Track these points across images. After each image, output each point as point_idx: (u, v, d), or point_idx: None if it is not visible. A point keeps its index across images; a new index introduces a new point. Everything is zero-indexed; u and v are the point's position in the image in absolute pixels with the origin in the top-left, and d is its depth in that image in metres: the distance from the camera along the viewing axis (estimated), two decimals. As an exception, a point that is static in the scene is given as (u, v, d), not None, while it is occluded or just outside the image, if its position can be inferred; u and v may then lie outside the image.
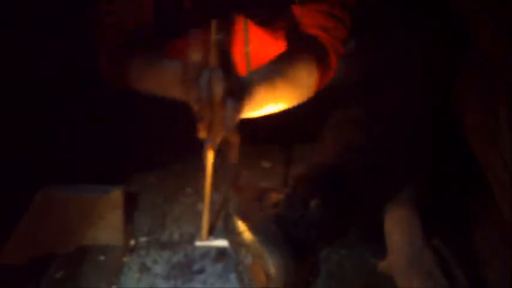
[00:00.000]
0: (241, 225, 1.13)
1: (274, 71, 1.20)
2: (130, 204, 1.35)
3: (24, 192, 1.24)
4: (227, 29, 1.29)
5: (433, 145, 1.32)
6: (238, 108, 1.10)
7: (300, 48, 1.25)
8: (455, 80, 1.38)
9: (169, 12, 1.32)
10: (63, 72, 1.50)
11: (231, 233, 1.17)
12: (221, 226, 1.29)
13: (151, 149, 1.51)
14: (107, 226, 1.24)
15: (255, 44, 1.35)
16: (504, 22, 1.17)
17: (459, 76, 1.38)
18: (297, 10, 1.29)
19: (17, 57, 1.42)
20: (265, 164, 1.53)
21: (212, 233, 1.30)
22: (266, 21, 1.33)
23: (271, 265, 1.07)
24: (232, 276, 1.19)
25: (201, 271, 1.21)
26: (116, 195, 1.24)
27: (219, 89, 1.07)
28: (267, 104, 1.19)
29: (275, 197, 1.24)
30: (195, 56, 1.12)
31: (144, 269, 1.22)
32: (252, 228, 1.12)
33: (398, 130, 1.29)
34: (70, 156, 1.42)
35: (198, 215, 1.30)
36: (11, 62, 1.41)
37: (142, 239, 1.29)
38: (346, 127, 1.33)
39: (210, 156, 1.20)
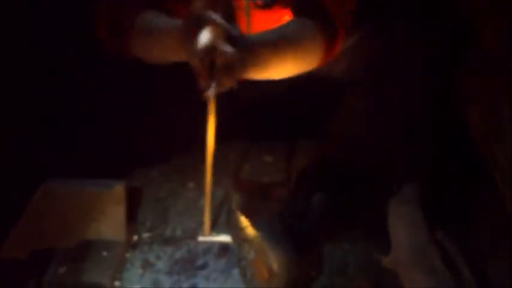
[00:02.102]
0: (243, 221, 1.13)
1: (277, 33, 1.17)
2: (133, 199, 1.34)
3: (26, 187, 1.24)
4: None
5: (435, 141, 1.32)
6: (242, 59, 1.06)
7: (305, 16, 1.22)
8: (457, 77, 1.38)
9: None
10: (64, 65, 1.49)
11: (233, 228, 1.17)
12: (224, 221, 1.29)
13: (154, 143, 1.51)
14: (110, 221, 1.24)
15: (256, 21, 1.33)
16: (508, 21, 1.16)
17: (461, 74, 1.38)
18: None
19: (16, 49, 1.42)
20: (268, 159, 1.53)
21: (215, 228, 1.29)
22: None
23: (274, 260, 1.07)
24: (235, 272, 1.18)
25: (203, 266, 1.21)
26: (119, 190, 1.24)
27: (220, 35, 1.03)
28: (270, 64, 1.15)
29: (278, 192, 1.24)
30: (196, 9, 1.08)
31: (146, 264, 1.22)
32: (255, 223, 1.12)
33: (401, 125, 1.29)
34: (72, 151, 1.42)
35: (201, 210, 1.30)
36: (12, 43, 1.41)
37: (145, 235, 1.29)
38: (349, 122, 1.33)
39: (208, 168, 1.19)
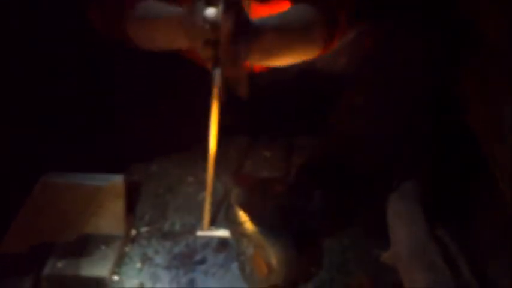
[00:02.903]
0: (242, 216, 1.13)
1: (280, 18, 1.17)
2: (132, 194, 1.34)
3: (25, 181, 1.23)
4: None
5: (435, 139, 1.32)
6: (248, 43, 1.05)
7: (306, 3, 1.22)
8: (458, 77, 1.38)
9: None
10: (64, 60, 1.49)
11: (232, 223, 1.17)
12: (223, 216, 1.29)
13: (154, 137, 1.50)
14: (108, 215, 1.23)
15: (256, 14, 1.33)
16: (508, 20, 1.16)
17: (462, 73, 1.37)
18: None
19: (16, 42, 1.42)
20: (267, 154, 1.53)
21: (214, 223, 1.29)
22: None
23: (273, 256, 1.07)
24: (234, 266, 1.18)
25: (202, 261, 1.21)
26: (118, 184, 1.24)
27: (228, 20, 1.02)
28: (273, 48, 1.14)
29: (277, 187, 1.23)
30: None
31: (145, 259, 1.21)
32: (254, 218, 1.11)
33: (401, 122, 1.29)
34: (71, 145, 1.42)
35: (200, 205, 1.29)
36: (12, 43, 1.40)
37: (144, 229, 1.29)
38: (349, 117, 1.33)
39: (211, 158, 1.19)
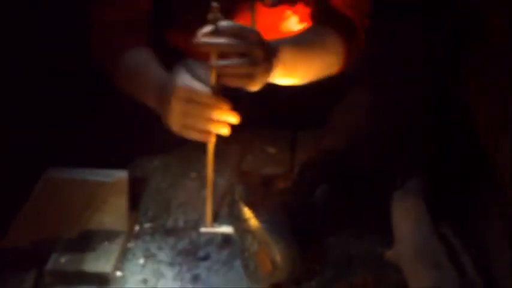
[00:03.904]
0: (246, 212, 1.12)
1: (303, 40, 1.17)
2: (135, 190, 1.34)
3: (29, 176, 1.23)
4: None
5: (438, 136, 1.32)
6: (268, 65, 1.07)
7: (329, 24, 1.24)
8: (459, 75, 1.38)
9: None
10: (65, 56, 1.49)
11: (236, 219, 1.16)
12: (226, 212, 1.28)
13: (156, 133, 1.50)
14: (112, 211, 1.23)
15: (261, 19, 1.33)
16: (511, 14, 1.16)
17: (465, 69, 1.37)
18: None
19: (18, 38, 1.42)
20: (271, 150, 1.52)
21: (217, 219, 1.29)
22: None
23: (277, 253, 1.07)
24: (237, 263, 1.18)
25: (206, 258, 1.20)
26: (121, 180, 1.23)
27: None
28: (294, 69, 1.16)
29: (281, 183, 1.23)
30: None
31: (148, 255, 1.21)
32: (258, 215, 1.11)
33: (404, 119, 1.29)
34: (75, 140, 1.41)
35: (203, 201, 1.29)
36: (12, 43, 1.40)
37: (147, 225, 1.29)
38: (352, 112, 1.33)
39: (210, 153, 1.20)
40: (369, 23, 1.30)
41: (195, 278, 1.16)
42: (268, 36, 1.25)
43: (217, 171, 1.25)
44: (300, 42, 1.17)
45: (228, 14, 1.10)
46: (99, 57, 1.33)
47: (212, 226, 1.27)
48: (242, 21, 1.30)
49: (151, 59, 1.25)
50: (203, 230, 1.27)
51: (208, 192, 1.25)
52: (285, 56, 1.12)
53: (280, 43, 1.13)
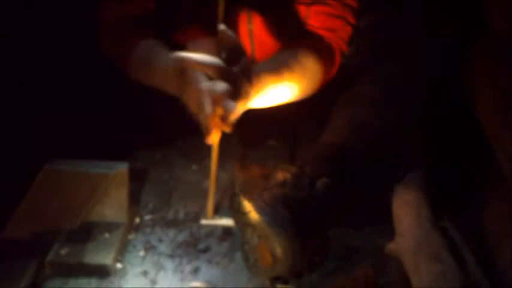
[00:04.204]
0: (247, 205, 1.12)
1: (281, 64, 1.19)
2: (136, 182, 1.34)
3: (30, 167, 1.23)
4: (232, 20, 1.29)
5: (441, 130, 1.32)
6: (236, 109, 1.09)
7: (308, 47, 1.26)
8: (465, 61, 1.37)
9: (171, 2, 1.31)
10: (66, 50, 1.49)
11: (237, 212, 1.16)
12: (227, 205, 1.28)
13: (157, 125, 1.50)
14: (112, 203, 1.23)
15: (257, 23, 1.33)
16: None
17: (469, 58, 1.37)
18: (303, 10, 1.29)
19: (18, 37, 1.42)
20: (272, 143, 1.52)
21: (218, 211, 1.29)
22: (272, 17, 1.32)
23: (278, 246, 1.06)
24: (238, 256, 1.18)
25: (206, 250, 1.20)
26: (122, 172, 1.23)
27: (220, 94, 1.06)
28: (273, 94, 1.18)
29: (282, 176, 1.22)
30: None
31: (149, 247, 1.21)
32: (258, 208, 1.10)
33: (407, 112, 1.29)
34: (76, 132, 1.42)
35: (204, 193, 1.29)
36: (13, 41, 1.40)
37: (148, 217, 1.29)
38: (354, 106, 1.33)
39: (215, 147, 1.21)
40: (347, 49, 1.33)
41: (196, 270, 1.16)
42: (265, 45, 1.30)
43: (218, 163, 1.25)
44: (279, 70, 1.19)
45: (226, 22, 1.12)
46: (109, 52, 1.33)
47: (213, 218, 1.27)
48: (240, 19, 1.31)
49: (163, 48, 1.26)
50: (203, 222, 1.27)
51: (212, 185, 1.25)
52: (264, 86, 1.15)
53: (261, 71, 1.15)
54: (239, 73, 1.08)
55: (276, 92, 1.18)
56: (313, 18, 1.29)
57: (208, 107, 1.05)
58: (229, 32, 1.08)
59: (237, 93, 1.06)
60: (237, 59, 1.09)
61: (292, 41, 1.30)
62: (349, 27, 1.32)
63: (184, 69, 1.10)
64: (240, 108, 1.08)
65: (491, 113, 1.27)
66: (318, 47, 1.27)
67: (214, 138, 1.10)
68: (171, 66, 1.13)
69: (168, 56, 1.14)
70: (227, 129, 1.08)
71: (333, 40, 1.29)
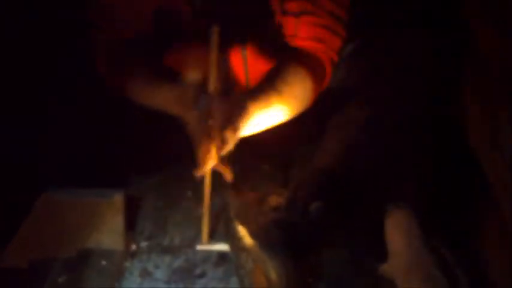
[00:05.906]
0: (241, 230, 1.14)
1: (269, 89, 1.21)
2: (131, 209, 1.34)
3: (26, 196, 1.24)
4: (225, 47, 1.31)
5: (432, 149, 1.33)
6: (230, 140, 1.13)
7: (295, 62, 1.27)
8: (454, 81, 1.39)
9: (168, 23, 1.33)
10: (62, 72, 1.50)
11: (231, 237, 1.17)
12: (222, 230, 1.29)
13: (152, 152, 1.51)
14: (109, 230, 1.24)
15: (250, 47, 1.36)
16: (504, 23, 1.17)
17: (459, 78, 1.38)
18: (291, 21, 1.30)
19: (16, 55, 1.43)
20: (265, 167, 1.53)
21: (213, 236, 1.30)
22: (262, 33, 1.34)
23: (272, 270, 1.08)
24: (233, 280, 1.19)
25: (202, 275, 1.21)
26: (118, 199, 1.24)
27: (216, 121, 1.12)
28: (264, 122, 1.22)
29: (275, 200, 1.24)
30: (194, 73, 1.15)
31: (145, 273, 1.22)
32: (252, 233, 1.12)
33: (398, 131, 1.30)
34: (71, 159, 1.43)
35: (199, 219, 1.30)
36: (10, 61, 1.41)
37: (144, 244, 1.30)
38: (346, 129, 1.34)
39: (207, 177, 1.24)
40: (337, 59, 1.33)
41: (192, 296, 1.17)
42: (259, 68, 1.32)
43: (212, 189, 1.26)
44: (268, 95, 1.21)
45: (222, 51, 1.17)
46: (105, 73, 1.35)
47: (208, 244, 1.28)
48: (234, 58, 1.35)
49: (163, 70, 1.28)
50: (199, 247, 1.28)
51: (205, 210, 1.27)
52: (253, 116, 1.18)
53: (248, 100, 1.18)
54: (229, 106, 1.10)
55: (266, 117, 1.20)
56: (302, 29, 1.29)
57: (201, 142, 1.08)
58: (221, 63, 1.11)
59: (227, 126, 1.09)
60: (228, 89, 1.12)
61: (281, 58, 1.31)
62: (339, 38, 1.31)
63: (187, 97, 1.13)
64: (231, 141, 1.11)
65: (480, 134, 1.29)
66: (307, 62, 1.27)
67: (205, 170, 1.13)
68: (174, 87, 1.16)
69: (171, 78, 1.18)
70: (217, 162, 1.11)
71: (322, 51, 1.29)
